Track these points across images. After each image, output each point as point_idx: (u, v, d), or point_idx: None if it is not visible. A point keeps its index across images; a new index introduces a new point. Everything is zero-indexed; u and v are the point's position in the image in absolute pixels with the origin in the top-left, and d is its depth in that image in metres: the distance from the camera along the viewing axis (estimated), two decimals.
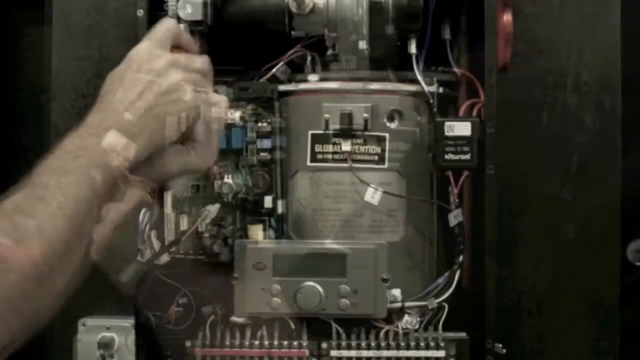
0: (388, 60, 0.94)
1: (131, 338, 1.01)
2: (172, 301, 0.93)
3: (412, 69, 0.92)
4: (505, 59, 0.92)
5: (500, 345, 0.89)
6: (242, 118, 0.91)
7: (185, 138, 0.68)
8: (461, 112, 0.94)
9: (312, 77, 0.92)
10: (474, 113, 0.92)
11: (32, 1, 1.17)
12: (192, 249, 0.93)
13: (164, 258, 0.92)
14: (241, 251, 0.89)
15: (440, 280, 0.93)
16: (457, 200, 0.92)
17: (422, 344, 0.90)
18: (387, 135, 0.90)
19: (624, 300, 1.09)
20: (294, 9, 0.89)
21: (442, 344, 0.90)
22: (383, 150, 0.90)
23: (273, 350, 0.90)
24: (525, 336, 1.09)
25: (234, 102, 0.91)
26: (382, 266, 0.88)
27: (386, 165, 0.91)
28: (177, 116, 0.66)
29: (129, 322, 1.04)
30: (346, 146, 0.90)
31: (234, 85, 0.91)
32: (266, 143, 0.91)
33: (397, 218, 0.92)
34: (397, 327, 0.90)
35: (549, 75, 1.09)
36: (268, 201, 0.91)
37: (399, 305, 0.90)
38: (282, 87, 0.92)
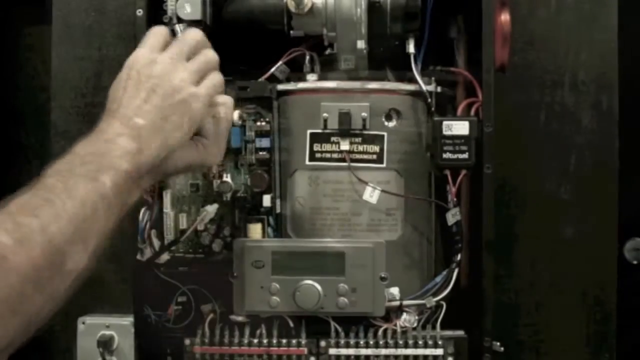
0: (386, 59, 0.94)
1: (130, 336, 1.01)
2: (171, 300, 0.93)
3: (410, 69, 0.92)
4: (503, 59, 0.92)
5: (498, 344, 0.89)
6: (240, 117, 0.92)
7: (194, 134, 0.69)
8: (459, 111, 0.94)
9: (311, 77, 0.92)
10: (472, 112, 0.93)
11: (32, 0, 1.18)
12: (191, 248, 0.93)
13: (164, 257, 0.92)
14: (240, 250, 0.90)
15: (439, 278, 0.93)
16: (455, 199, 0.92)
17: (420, 342, 0.90)
18: (385, 134, 0.91)
19: (621, 298, 1.09)
20: (292, 9, 0.89)
21: (440, 342, 0.90)
22: (381, 150, 0.91)
23: (272, 348, 0.90)
24: (523, 334, 1.10)
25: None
26: (380, 265, 0.89)
27: (384, 164, 0.91)
28: (187, 116, 0.66)
29: (128, 321, 1.04)
30: (345, 145, 0.90)
31: (233, 84, 0.91)
32: (265, 142, 0.91)
33: (396, 217, 0.92)
34: (395, 325, 0.90)
35: (547, 74, 1.10)
36: (267, 200, 0.91)
37: (397, 303, 0.90)
38: (280, 87, 0.92)
